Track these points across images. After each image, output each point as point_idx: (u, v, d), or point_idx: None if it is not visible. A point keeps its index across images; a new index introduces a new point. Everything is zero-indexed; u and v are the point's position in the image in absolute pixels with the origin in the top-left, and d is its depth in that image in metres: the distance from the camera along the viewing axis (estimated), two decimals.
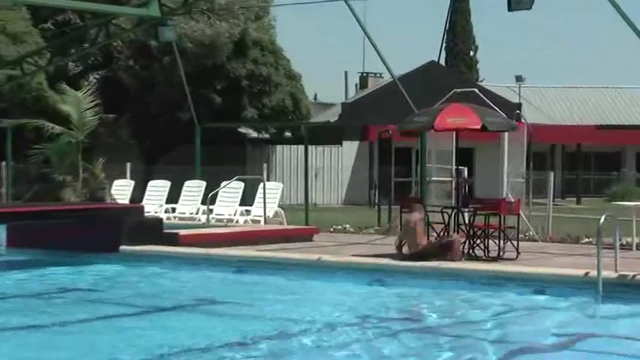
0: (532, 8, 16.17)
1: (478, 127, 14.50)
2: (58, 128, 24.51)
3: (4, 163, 25.48)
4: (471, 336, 10.02)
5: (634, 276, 11.76)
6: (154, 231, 16.26)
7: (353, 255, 14.95)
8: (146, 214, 18.29)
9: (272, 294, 12.65)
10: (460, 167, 17.36)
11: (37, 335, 9.73)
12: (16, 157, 25.54)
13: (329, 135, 37.91)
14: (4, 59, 26.72)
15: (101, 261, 15.22)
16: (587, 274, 12.08)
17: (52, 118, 25.74)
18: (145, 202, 21.52)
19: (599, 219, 11.83)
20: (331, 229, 20.22)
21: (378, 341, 9.51)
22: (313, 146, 35.26)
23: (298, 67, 40.66)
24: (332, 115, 43.70)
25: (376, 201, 25.15)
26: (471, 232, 14.88)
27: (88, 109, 24.32)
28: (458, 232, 14.84)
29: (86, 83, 35.90)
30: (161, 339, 9.41)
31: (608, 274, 11.77)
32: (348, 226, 20.62)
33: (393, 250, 14.60)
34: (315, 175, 36.51)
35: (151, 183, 22.85)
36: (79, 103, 24.27)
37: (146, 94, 33.80)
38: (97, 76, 37.09)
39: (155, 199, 22.12)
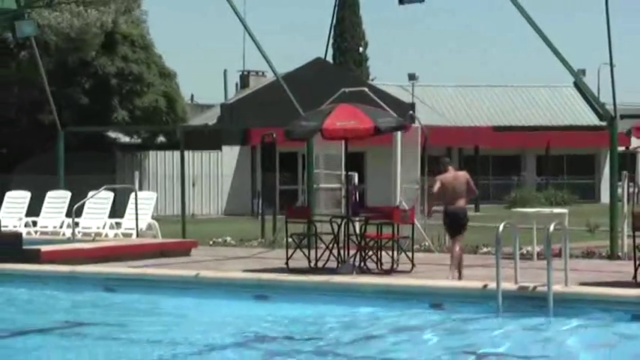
0: (424, 1, 16.44)
1: (370, 128, 14.62)
2: None
3: None
4: (359, 356, 10.11)
5: (535, 287, 12.03)
6: (12, 247, 15.96)
7: (235, 270, 14.93)
8: (3, 229, 17.92)
9: (145, 315, 12.55)
10: (350, 173, 17.53)
11: None
12: None
13: (207, 139, 37.77)
14: None
15: None
16: (485, 286, 12.30)
17: None
18: (1, 215, 21.08)
19: (498, 227, 12.07)
20: (211, 242, 20.17)
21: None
22: (190, 152, 35.10)
23: (173, 64, 40.51)
24: (210, 118, 43.58)
25: (259, 211, 25.15)
26: (363, 243, 15.02)
27: None
28: (348, 244, 14.96)
29: None
30: None
31: (508, 285, 12.01)
32: (229, 238, 20.60)
33: (279, 263, 14.62)
34: (193, 184, 36.35)
35: (9, 194, 22.40)
36: None
37: (2, 94, 33.11)
38: None
39: (14, 211, 21.69)
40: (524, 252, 15.60)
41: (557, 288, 11.67)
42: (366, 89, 20.71)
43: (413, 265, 14.86)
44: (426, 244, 18.05)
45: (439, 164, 14.33)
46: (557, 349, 10.41)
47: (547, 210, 20.35)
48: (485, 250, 17.51)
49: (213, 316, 12.57)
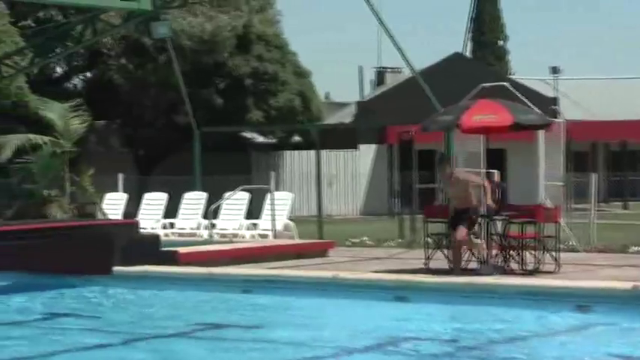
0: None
1: (509, 124, 14.47)
2: (40, 138, 24.56)
3: None
4: (503, 357, 9.98)
5: None
6: (151, 249, 16.27)
7: (373, 271, 14.93)
8: (141, 231, 18.30)
9: (282, 317, 12.64)
10: (490, 171, 17.33)
11: None
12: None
13: (343, 138, 37.85)
14: None
15: (92, 284, 15.22)
16: (635, 287, 12.02)
17: (34, 126, 25.80)
18: (139, 217, 21.54)
19: None
20: (348, 243, 20.20)
21: None
22: (326, 151, 35.22)
23: (307, 63, 40.66)
24: (346, 116, 43.66)
25: (397, 210, 25.11)
26: (505, 243, 14.84)
27: (75, 115, 24.36)
28: (491, 244, 14.80)
29: (72, 86, 36.07)
30: None
31: None
32: (366, 238, 20.61)
33: (417, 264, 14.55)
34: (329, 184, 36.49)
35: (147, 196, 22.87)
36: (63, 109, 24.32)
37: (139, 96, 33.85)
38: (83, 78, 37.16)
39: (151, 213, 22.13)
40: None
41: None
42: (507, 84, 20.47)
43: (558, 265, 14.61)
44: (571, 243, 17.73)
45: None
46: None
47: None
48: (634, 249, 17.12)
49: (352, 318, 12.58)
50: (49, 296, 14.65)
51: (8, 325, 12.38)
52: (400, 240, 20.42)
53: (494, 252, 14.80)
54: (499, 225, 15.26)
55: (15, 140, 25.03)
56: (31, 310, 13.49)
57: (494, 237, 14.93)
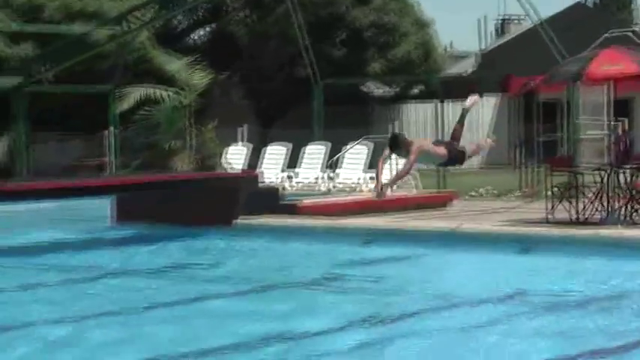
0: None
1: (636, 74, 14.14)
2: (164, 91, 24.90)
3: (107, 131, 26.07)
4: (635, 309, 9.80)
5: None
6: (272, 201, 16.42)
7: (495, 223, 14.80)
8: (263, 183, 18.45)
9: (402, 268, 12.62)
10: (619, 119, 16.94)
11: (147, 314, 9.93)
12: (121, 123, 26.08)
13: (464, 89, 37.47)
14: (106, 16, 27.24)
15: (215, 234, 15.43)
16: None
17: (158, 80, 26.17)
18: (262, 168, 21.72)
19: None
20: (469, 195, 20.06)
21: (530, 319, 9.37)
22: (447, 102, 34.95)
23: (429, 13, 40.29)
24: (467, 67, 43.20)
25: (519, 162, 24.77)
26: (631, 195, 14.53)
27: (196, 69, 24.63)
28: (617, 195, 14.50)
29: (193, 40, 36.42)
30: (282, 318, 9.52)
31: None
32: (488, 190, 20.42)
33: (540, 216, 14.35)
34: (450, 135, 36.19)
35: (269, 148, 23.02)
36: (185, 63, 24.60)
37: (260, 49, 34.02)
38: (205, 32, 37.48)
39: (272, 165, 22.29)
40: None
41: None
42: (631, 33, 19.97)
43: None
44: None
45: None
46: None
47: None
48: None
49: (473, 270, 12.51)
50: (174, 246, 14.91)
51: (135, 274, 12.62)
52: (523, 192, 20.18)
53: (619, 203, 14.50)
54: (626, 176, 14.92)
55: (137, 92, 25.45)
56: (156, 260, 13.73)
57: (621, 188, 14.63)
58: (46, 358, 8.25)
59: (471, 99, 12.13)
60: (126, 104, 25.38)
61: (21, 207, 17.96)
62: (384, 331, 8.96)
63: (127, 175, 22.04)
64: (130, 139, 27.56)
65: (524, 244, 13.29)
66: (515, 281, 11.41)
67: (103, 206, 17.45)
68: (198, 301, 10.51)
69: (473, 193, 20.30)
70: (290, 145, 22.52)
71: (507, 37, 44.80)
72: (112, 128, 25.41)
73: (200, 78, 24.81)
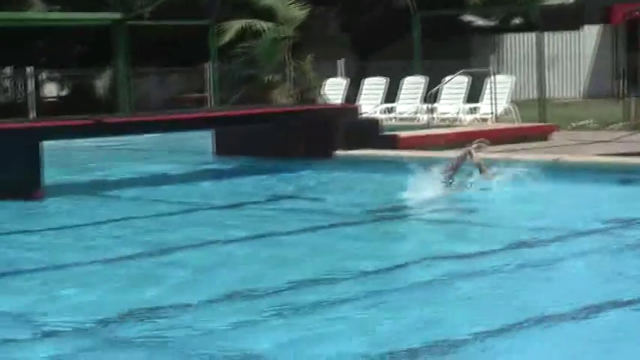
0: None
1: None
2: (262, 24, 24.94)
3: (207, 65, 26.28)
4: None
5: None
6: (371, 133, 16.41)
7: (597, 154, 14.61)
8: (362, 115, 18.44)
9: (503, 200, 12.54)
10: None
11: (252, 245, 10.07)
12: (220, 57, 26.25)
13: (566, 19, 36.84)
14: None
15: (314, 167, 15.50)
16: None
17: (256, 13, 26.22)
18: (360, 101, 21.73)
19: None
20: (571, 126, 19.82)
21: (632, 251, 9.28)
22: (548, 33, 34.39)
23: None
24: None
25: (623, 93, 24.38)
26: None
27: (295, 1, 24.61)
28: None
29: None
30: (381, 247, 9.55)
31: None
32: (590, 121, 20.14)
33: None
34: (551, 66, 35.70)
35: (367, 81, 23.02)
36: None
37: None
38: None
39: (371, 98, 22.30)
40: None
41: None
42: None
43: None
44: None
45: None
46: None
47: None
48: None
49: (574, 202, 12.38)
50: (273, 179, 15.02)
51: (234, 207, 12.76)
52: (625, 123, 19.86)
53: None
54: None
55: (237, 25, 25.55)
56: (256, 193, 13.86)
57: None
58: (203, 279, 8.42)
59: (477, 148, 12.04)
60: (227, 37, 25.51)
61: (122, 140, 18.35)
62: (487, 261, 8.95)
63: (227, 108, 22.22)
64: (229, 73, 27.75)
65: (627, 175, 13.10)
66: (614, 211, 11.29)
67: (203, 140, 17.65)
68: (291, 234, 10.63)
69: (574, 124, 20.03)
70: (387, 79, 22.48)
71: None
72: (211, 62, 25.59)
73: (298, 10, 24.77)
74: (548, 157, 14.47)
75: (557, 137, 17.66)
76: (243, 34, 26.00)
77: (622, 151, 15.07)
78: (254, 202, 13.01)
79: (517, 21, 37.89)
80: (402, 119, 21.24)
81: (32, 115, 25.69)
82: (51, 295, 8.00)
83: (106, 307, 7.44)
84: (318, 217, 11.66)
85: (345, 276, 8.23)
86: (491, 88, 20.24)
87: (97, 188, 14.47)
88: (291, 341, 6.50)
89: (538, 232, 10.17)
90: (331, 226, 11.07)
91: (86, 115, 15.28)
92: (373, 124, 17.19)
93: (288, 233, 10.57)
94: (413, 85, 22.10)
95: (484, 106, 20.77)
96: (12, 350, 6.52)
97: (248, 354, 6.29)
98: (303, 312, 7.26)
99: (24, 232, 11.16)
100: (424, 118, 20.49)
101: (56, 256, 9.75)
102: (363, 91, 22.69)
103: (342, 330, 6.71)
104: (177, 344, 6.53)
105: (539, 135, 17.74)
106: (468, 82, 21.44)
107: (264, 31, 24.99)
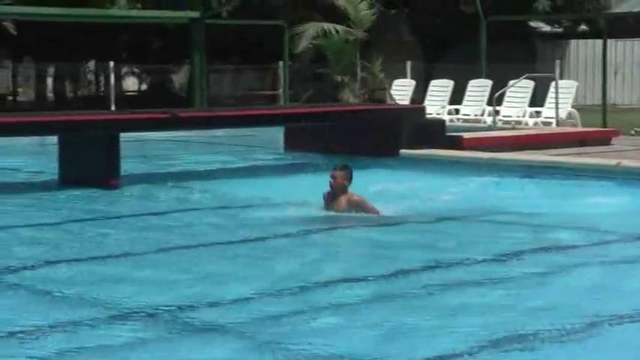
0: None
1: None
2: (334, 26, 25.07)
3: (281, 63, 26.47)
4: None
5: None
6: (436, 134, 16.45)
7: None
8: (428, 116, 18.49)
9: (563, 203, 12.53)
10: None
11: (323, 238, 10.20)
12: (292, 57, 26.41)
13: (631, 27, 36.45)
14: None
15: (381, 165, 15.56)
16: None
17: (327, 15, 26.36)
18: (426, 103, 21.77)
19: None
20: (633, 132, 19.69)
21: None
22: (613, 40, 34.09)
23: None
24: (635, 5, 41.91)
25: None
26: None
27: (365, 3, 24.71)
28: None
29: None
30: (445, 246, 9.69)
31: None
32: None
33: None
34: (615, 73, 35.38)
35: (433, 82, 23.04)
36: None
37: None
38: None
39: (437, 99, 22.32)
40: None
41: None
42: None
43: None
44: None
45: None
46: None
47: None
48: None
49: (635, 206, 12.32)
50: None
51: (300, 204, 12.87)
52: None
53: None
54: None
55: (311, 29, 25.72)
56: (318, 188, 13.99)
57: None
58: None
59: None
60: (305, 41, 25.61)
61: (195, 134, 18.58)
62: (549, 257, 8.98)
63: (298, 105, 22.38)
64: (300, 72, 27.93)
65: None
66: None
67: (275, 136, 17.79)
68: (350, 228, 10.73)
69: (639, 129, 19.89)
70: (453, 81, 22.49)
71: None
72: (283, 61, 25.77)
73: (369, 12, 24.86)
74: (610, 161, 14.40)
75: (618, 142, 17.56)
76: (316, 36, 26.15)
77: None
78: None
79: (583, 28, 37.61)
80: (466, 121, 21.24)
81: (112, 107, 26.09)
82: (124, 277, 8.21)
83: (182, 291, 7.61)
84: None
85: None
86: (554, 93, 20.16)
87: (172, 179, 14.64)
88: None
89: (593, 234, 10.17)
90: (396, 223, 11.14)
91: (162, 109, 15.47)
92: (439, 124, 17.24)
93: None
94: (478, 87, 22.09)
95: (547, 110, 20.70)
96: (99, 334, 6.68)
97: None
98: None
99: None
100: (488, 120, 20.47)
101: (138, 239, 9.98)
102: (429, 93, 22.72)
103: None
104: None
105: (600, 140, 17.65)
106: (533, 86, 21.38)
107: (337, 32, 25.12)
